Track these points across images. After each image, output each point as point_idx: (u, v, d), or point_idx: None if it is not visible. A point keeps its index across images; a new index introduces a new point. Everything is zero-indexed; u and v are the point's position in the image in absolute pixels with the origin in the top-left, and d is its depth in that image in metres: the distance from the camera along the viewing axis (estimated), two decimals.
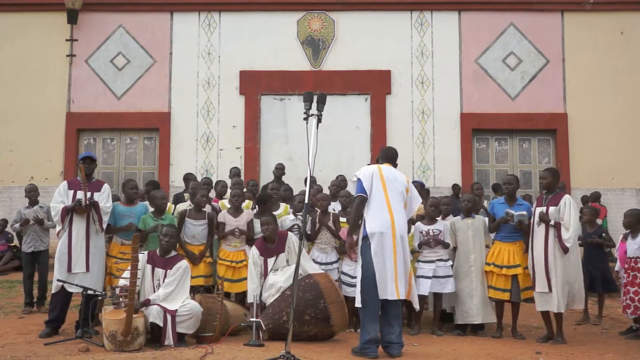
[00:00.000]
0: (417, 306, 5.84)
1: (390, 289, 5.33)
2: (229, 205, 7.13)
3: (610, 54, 12.31)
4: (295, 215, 7.11)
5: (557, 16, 12.47)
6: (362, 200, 5.53)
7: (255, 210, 7.20)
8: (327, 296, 5.86)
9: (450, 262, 6.65)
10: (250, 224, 6.86)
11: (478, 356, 5.46)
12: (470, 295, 6.52)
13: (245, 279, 6.51)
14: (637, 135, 12.15)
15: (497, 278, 6.45)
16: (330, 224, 6.76)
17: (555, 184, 6.40)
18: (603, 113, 12.15)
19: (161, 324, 5.66)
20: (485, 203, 8.91)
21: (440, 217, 6.97)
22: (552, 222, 6.15)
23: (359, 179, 5.57)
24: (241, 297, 6.69)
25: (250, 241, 6.79)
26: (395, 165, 5.85)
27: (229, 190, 7.97)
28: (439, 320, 6.69)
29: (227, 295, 6.59)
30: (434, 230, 6.65)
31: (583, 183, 12.03)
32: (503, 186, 6.81)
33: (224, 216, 6.86)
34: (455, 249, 6.75)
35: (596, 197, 11.50)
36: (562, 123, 12.23)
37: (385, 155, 5.93)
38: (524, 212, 6.36)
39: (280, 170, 9.75)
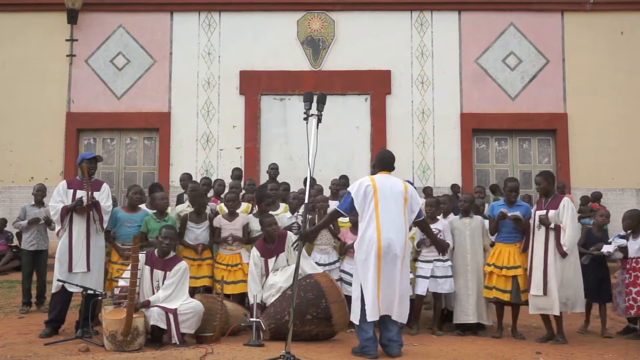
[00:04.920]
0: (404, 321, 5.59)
1: (371, 311, 5.24)
2: (226, 210, 7.09)
3: (610, 54, 12.32)
4: (293, 214, 7.12)
5: (557, 16, 12.48)
6: (337, 215, 5.76)
7: (253, 212, 7.19)
8: (329, 295, 5.86)
9: (449, 262, 6.65)
10: (245, 227, 6.84)
11: (478, 356, 5.46)
12: (466, 294, 6.55)
13: (241, 281, 6.58)
14: (637, 135, 12.16)
15: (497, 279, 6.45)
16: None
17: (551, 187, 6.35)
18: (603, 113, 12.16)
19: (163, 326, 5.65)
20: (486, 207, 8.72)
21: (442, 215, 6.98)
22: (552, 225, 6.14)
23: (349, 194, 5.51)
24: (238, 299, 6.67)
25: (247, 243, 6.80)
26: (392, 169, 5.71)
27: (227, 189, 7.96)
28: (439, 320, 6.69)
29: (227, 297, 6.59)
30: (433, 230, 6.64)
31: (583, 183, 12.05)
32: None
33: (219, 221, 6.83)
34: (453, 248, 6.76)
35: (597, 197, 11.50)
36: (562, 123, 12.24)
37: (381, 163, 5.70)
38: (518, 213, 6.36)
39: (275, 170, 9.76)
